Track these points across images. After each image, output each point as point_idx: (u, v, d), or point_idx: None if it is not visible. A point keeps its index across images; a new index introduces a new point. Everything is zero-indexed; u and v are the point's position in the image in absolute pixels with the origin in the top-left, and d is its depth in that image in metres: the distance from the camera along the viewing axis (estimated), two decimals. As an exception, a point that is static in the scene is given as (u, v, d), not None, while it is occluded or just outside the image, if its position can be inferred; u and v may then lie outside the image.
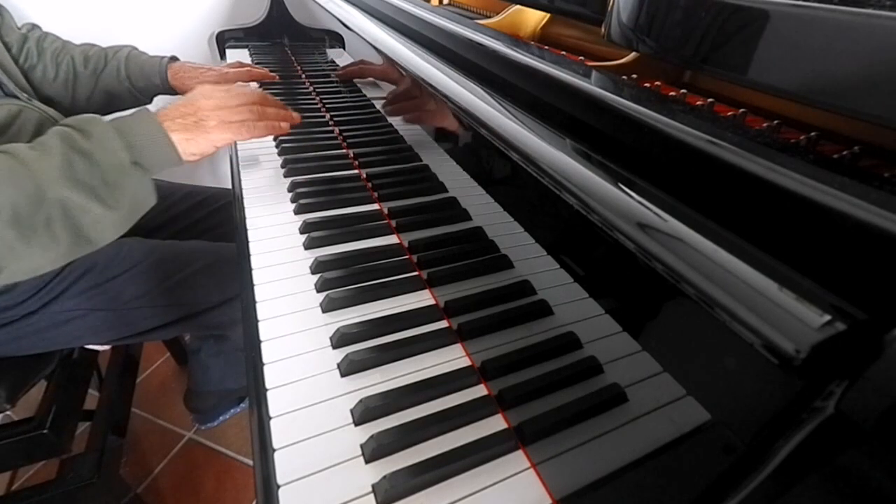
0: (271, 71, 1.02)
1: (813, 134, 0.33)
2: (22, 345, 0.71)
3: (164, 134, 0.55)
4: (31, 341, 0.71)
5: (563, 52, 0.50)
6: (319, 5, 0.86)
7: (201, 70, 0.89)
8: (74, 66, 0.84)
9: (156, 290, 0.73)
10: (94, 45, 0.88)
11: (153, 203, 0.57)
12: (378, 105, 0.74)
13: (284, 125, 0.65)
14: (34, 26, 0.86)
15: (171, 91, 0.88)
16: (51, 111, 0.72)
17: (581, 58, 0.47)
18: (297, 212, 0.59)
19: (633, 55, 0.44)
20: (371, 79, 0.80)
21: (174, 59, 0.90)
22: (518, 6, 0.61)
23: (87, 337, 0.74)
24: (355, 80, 0.88)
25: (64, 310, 0.70)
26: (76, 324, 0.71)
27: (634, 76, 0.42)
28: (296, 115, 0.68)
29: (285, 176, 0.67)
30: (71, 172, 0.48)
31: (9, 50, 0.77)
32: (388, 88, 0.69)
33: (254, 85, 0.95)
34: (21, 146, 0.48)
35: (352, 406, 0.37)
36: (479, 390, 0.39)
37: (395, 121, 0.67)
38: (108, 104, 0.87)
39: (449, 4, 0.86)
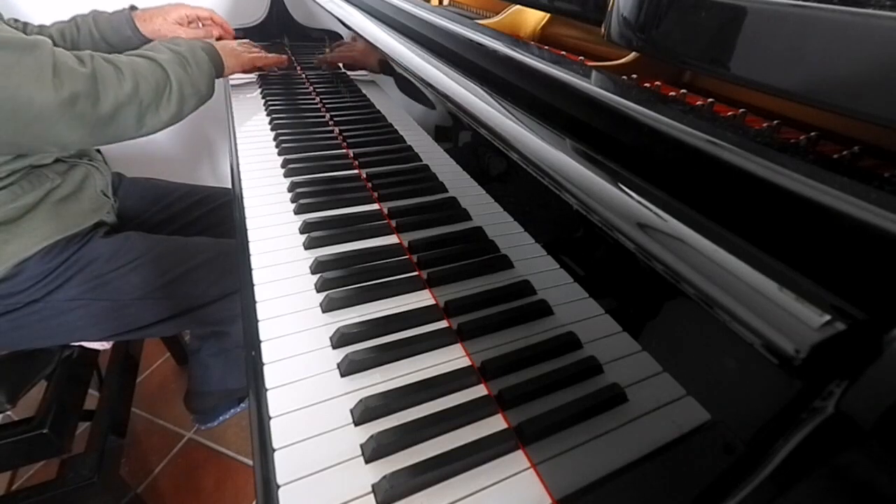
0: (271, 72, 1.04)
1: (813, 134, 0.33)
2: (24, 335, 0.71)
3: (213, 47, 0.83)
4: (33, 331, 0.71)
5: (563, 52, 0.50)
6: (319, 5, 0.86)
7: (165, 8, 0.94)
8: (53, 44, 0.85)
9: (157, 284, 0.74)
10: (63, 21, 0.91)
11: (213, 94, 0.81)
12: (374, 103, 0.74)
13: (283, 57, 1.01)
14: (16, 20, 0.88)
15: (144, 38, 0.92)
16: None
17: (581, 58, 0.47)
18: (297, 212, 0.59)
19: (633, 55, 0.44)
20: (361, 69, 0.80)
21: (133, 8, 0.95)
22: (518, 6, 0.61)
23: (89, 329, 0.75)
24: (355, 81, 0.88)
25: (66, 299, 0.70)
26: (78, 314, 0.71)
27: (634, 76, 0.42)
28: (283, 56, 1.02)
29: (285, 176, 0.67)
30: (178, 60, 0.74)
31: None
32: (387, 88, 0.69)
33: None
34: (139, 58, 0.71)
35: (352, 406, 0.37)
36: (479, 390, 0.39)
37: (396, 122, 0.67)
38: None
39: (449, 4, 0.86)
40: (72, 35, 0.89)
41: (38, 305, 0.69)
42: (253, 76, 1.06)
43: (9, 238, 0.65)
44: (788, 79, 0.25)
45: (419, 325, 0.44)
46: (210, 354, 0.96)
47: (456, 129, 0.48)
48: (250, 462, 1.04)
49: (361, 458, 0.33)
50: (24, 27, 0.86)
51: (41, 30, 0.88)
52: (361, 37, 0.63)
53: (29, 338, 0.72)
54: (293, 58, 1.17)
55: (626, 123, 0.27)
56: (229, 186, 0.73)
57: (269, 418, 0.35)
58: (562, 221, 0.33)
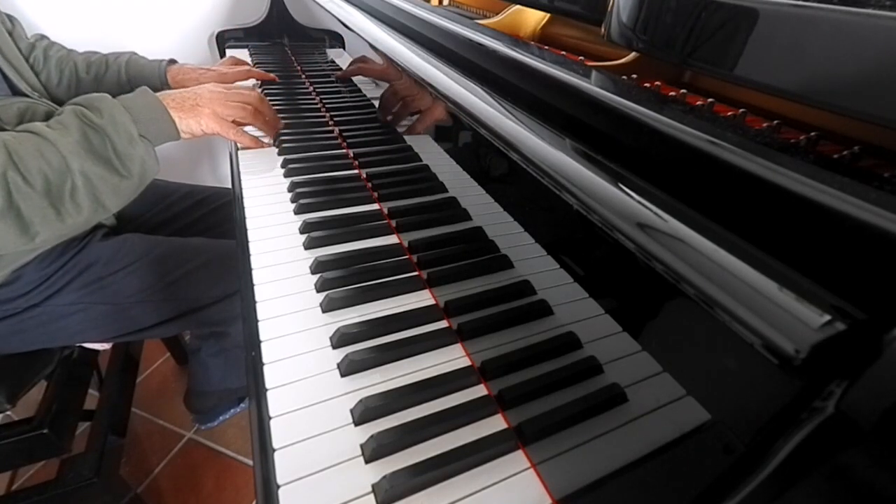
0: (271, 71, 1.03)
1: (813, 134, 0.33)
2: (24, 339, 0.71)
3: (164, 109, 0.62)
4: (33, 335, 0.71)
5: (563, 52, 0.50)
6: (319, 5, 0.86)
7: (200, 71, 0.90)
8: (77, 73, 0.86)
9: (156, 286, 0.74)
10: (96, 53, 0.90)
11: (157, 171, 0.63)
12: (376, 104, 0.74)
13: (267, 140, 0.74)
14: (42, 37, 0.88)
15: None
16: (57, 107, 0.72)
17: (581, 58, 0.47)
18: (297, 212, 0.59)
19: (633, 55, 0.44)
20: (370, 78, 0.80)
21: (173, 62, 0.92)
22: (518, 6, 0.61)
23: (89, 332, 0.75)
24: (355, 80, 0.88)
25: (66, 303, 0.70)
26: (78, 317, 0.71)
27: (634, 76, 0.42)
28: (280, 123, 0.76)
29: (285, 176, 0.67)
30: (89, 146, 0.54)
31: (21, 53, 0.79)
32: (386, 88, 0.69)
33: (251, 83, 0.96)
34: (41, 125, 0.54)
35: (352, 406, 0.37)
36: (479, 390, 0.39)
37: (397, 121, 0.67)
38: None
39: (449, 4, 0.86)
40: (98, 70, 0.87)
41: (38, 310, 0.69)
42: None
43: None
44: (788, 79, 0.25)
45: (419, 325, 0.44)
46: (210, 354, 0.96)
47: (456, 129, 0.48)
48: (250, 462, 1.04)
49: (361, 458, 0.33)
50: (47, 48, 0.85)
51: (69, 53, 0.87)
52: (364, 39, 0.63)
53: (29, 341, 0.72)
54: (293, 58, 1.17)
55: (627, 123, 0.27)
56: (229, 186, 0.73)
57: (269, 418, 0.35)
58: (562, 221, 0.33)
